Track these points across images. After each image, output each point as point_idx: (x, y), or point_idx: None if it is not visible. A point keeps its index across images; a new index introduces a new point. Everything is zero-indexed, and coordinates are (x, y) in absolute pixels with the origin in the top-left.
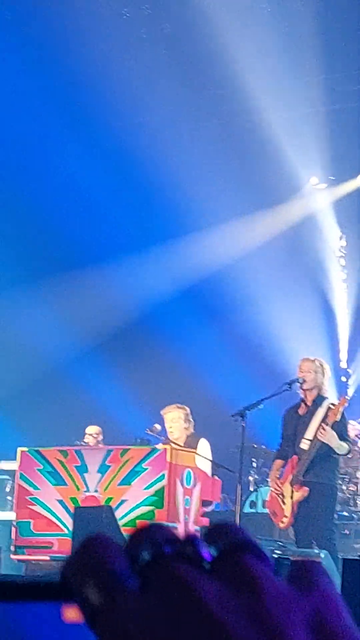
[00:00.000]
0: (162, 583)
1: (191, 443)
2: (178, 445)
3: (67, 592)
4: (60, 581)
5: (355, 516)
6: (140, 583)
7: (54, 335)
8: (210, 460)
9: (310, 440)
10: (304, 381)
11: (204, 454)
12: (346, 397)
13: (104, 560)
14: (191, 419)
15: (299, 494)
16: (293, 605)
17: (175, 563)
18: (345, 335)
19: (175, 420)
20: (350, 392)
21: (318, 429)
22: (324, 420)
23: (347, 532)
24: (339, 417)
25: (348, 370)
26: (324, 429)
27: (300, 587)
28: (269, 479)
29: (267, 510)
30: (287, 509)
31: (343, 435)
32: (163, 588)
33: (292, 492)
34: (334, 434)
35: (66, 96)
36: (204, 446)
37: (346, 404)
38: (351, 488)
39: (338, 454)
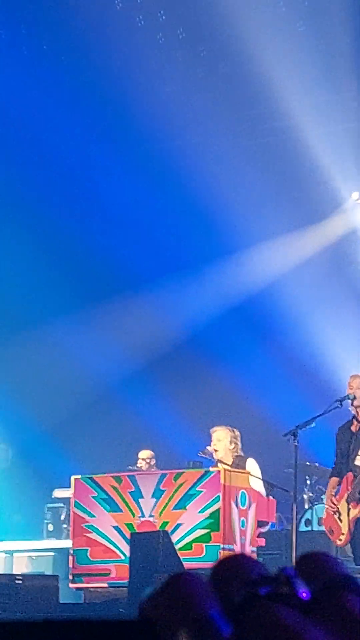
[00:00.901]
0: (261, 628)
1: (239, 463)
2: (225, 464)
3: (150, 634)
4: (143, 621)
5: None
6: (234, 628)
7: (104, 359)
8: (264, 480)
9: None
10: (355, 398)
11: (254, 474)
12: None
13: (194, 604)
14: (238, 441)
15: (356, 511)
16: None
17: (273, 605)
18: None
19: (221, 439)
20: None
21: None
22: None
23: None
24: None
25: None
26: None
27: None
28: (324, 497)
29: (322, 528)
30: (344, 527)
31: None
32: (262, 634)
33: (349, 509)
34: None
35: (107, 121)
36: (253, 466)
37: None
38: None
39: None
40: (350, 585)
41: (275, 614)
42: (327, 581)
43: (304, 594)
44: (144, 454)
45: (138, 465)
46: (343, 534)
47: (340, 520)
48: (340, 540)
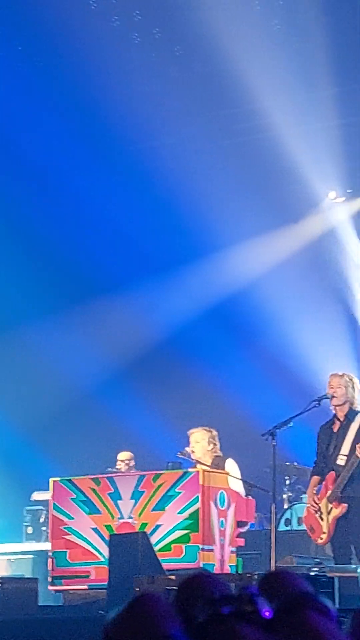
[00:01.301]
0: None
1: (218, 463)
2: (204, 465)
3: None
4: None
5: None
6: None
7: (82, 361)
8: (243, 481)
9: (347, 455)
10: (334, 397)
11: (233, 474)
12: None
13: (156, 624)
14: (217, 442)
15: (337, 511)
16: None
17: (236, 624)
18: None
19: (199, 441)
20: None
21: (354, 444)
22: None
23: None
24: None
25: None
26: None
27: None
28: (305, 496)
29: (302, 527)
30: (325, 526)
31: None
32: None
33: (331, 508)
34: None
35: (81, 123)
36: (232, 466)
37: None
38: None
39: None
40: (312, 602)
41: (238, 633)
42: (288, 599)
43: (267, 613)
44: (123, 455)
45: (117, 466)
46: (324, 532)
47: (322, 519)
48: (321, 539)
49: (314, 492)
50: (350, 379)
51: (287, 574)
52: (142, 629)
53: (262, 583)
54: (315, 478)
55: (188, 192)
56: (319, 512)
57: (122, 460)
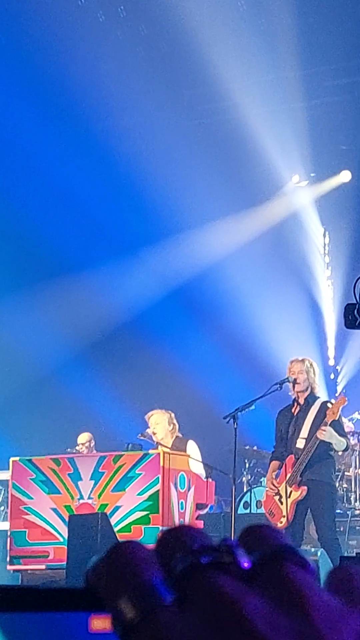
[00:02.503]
0: (201, 596)
1: (179, 445)
2: (166, 447)
3: (95, 602)
4: (88, 589)
5: (349, 513)
6: (176, 595)
7: (43, 342)
8: (203, 463)
9: (306, 438)
10: (297, 382)
11: (194, 456)
12: (344, 396)
13: (136, 571)
14: (175, 422)
15: (297, 494)
16: (342, 622)
17: (214, 574)
18: (332, 332)
19: (160, 422)
20: (339, 389)
21: (313, 427)
22: (322, 419)
23: (342, 529)
24: (337, 416)
25: (336, 367)
26: (324, 428)
27: (347, 599)
28: (263, 480)
29: (261, 511)
30: (285, 509)
31: (341, 433)
32: (203, 602)
33: (290, 492)
34: (334, 432)
35: (45, 101)
36: (193, 448)
37: (345, 403)
38: (344, 485)
39: (335, 452)
40: (291, 555)
41: (216, 581)
42: (268, 551)
43: (245, 564)
44: (83, 437)
45: (77, 449)
46: (284, 516)
47: (281, 503)
48: (281, 522)
49: (274, 476)
50: (311, 364)
51: (268, 527)
52: (121, 574)
53: (242, 535)
54: (275, 463)
55: (151, 172)
56: (278, 496)
57: (82, 443)
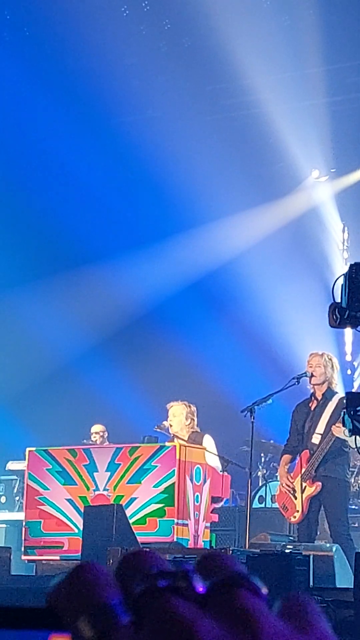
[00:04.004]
0: (156, 618)
1: (195, 439)
2: (182, 439)
3: (55, 621)
4: (49, 609)
5: None
6: (133, 617)
7: (60, 333)
8: (220, 456)
9: (322, 434)
10: (313, 376)
11: (210, 450)
12: None
13: (95, 593)
14: (195, 417)
15: (311, 489)
16: None
17: (169, 597)
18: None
19: (177, 415)
20: (356, 385)
21: (329, 423)
22: (339, 415)
23: (356, 525)
24: None
25: (353, 363)
26: (339, 424)
27: (296, 625)
28: (278, 474)
29: (275, 505)
30: (299, 504)
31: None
32: (157, 623)
33: (305, 487)
34: None
35: (67, 93)
36: (209, 442)
37: None
38: (359, 481)
39: (350, 448)
40: (244, 582)
41: (171, 604)
42: (222, 577)
43: (200, 588)
44: (96, 427)
45: (92, 439)
46: (297, 511)
47: (295, 498)
48: (294, 517)
49: (286, 470)
50: (330, 359)
51: (224, 555)
52: (80, 595)
53: (199, 562)
54: (287, 456)
55: (173, 165)
56: (292, 491)
57: (97, 432)
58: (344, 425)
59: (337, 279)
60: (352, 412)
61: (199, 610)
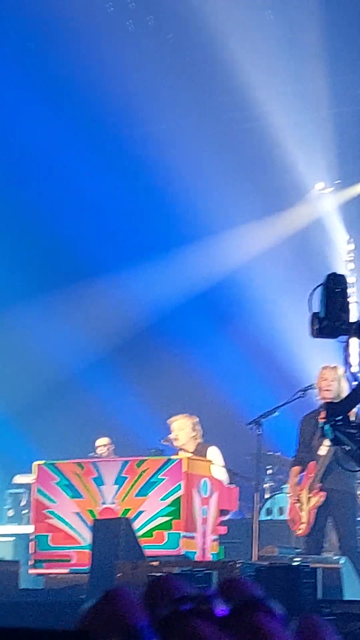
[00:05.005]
0: (181, 639)
1: (201, 451)
2: (188, 452)
3: None
4: (81, 631)
5: None
6: (159, 638)
7: (65, 346)
8: (227, 469)
9: (329, 446)
10: (327, 390)
11: (216, 462)
12: None
13: (125, 616)
14: (199, 428)
15: (316, 499)
16: None
17: (193, 620)
18: (355, 339)
19: (183, 428)
20: None
21: None
22: None
23: None
24: None
25: (359, 374)
26: None
27: None
28: (285, 486)
29: (283, 517)
30: (305, 516)
31: None
32: None
33: (309, 497)
34: None
35: (71, 107)
36: (215, 454)
37: None
38: None
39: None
40: (262, 605)
41: (194, 626)
42: (242, 601)
43: (221, 612)
44: (102, 440)
45: (98, 452)
46: (303, 523)
47: (301, 510)
48: (300, 529)
49: (296, 482)
50: (343, 373)
51: (243, 580)
52: (112, 619)
53: (220, 586)
54: (296, 468)
55: (177, 178)
56: (298, 503)
57: (103, 445)
58: (322, 435)
59: (315, 289)
60: (333, 423)
61: (220, 631)
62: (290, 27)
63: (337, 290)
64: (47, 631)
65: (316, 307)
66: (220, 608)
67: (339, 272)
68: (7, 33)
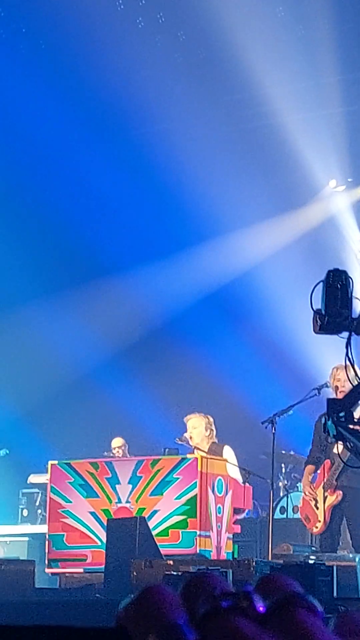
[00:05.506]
0: (221, 636)
1: (215, 450)
2: (202, 451)
3: (124, 639)
4: (119, 628)
5: None
6: (198, 636)
7: (78, 345)
8: (241, 467)
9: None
10: (343, 391)
11: (230, 461)
12: None
13: (164, 612)
14: (213, 428)
15: (332, 498)
16: None
17: (232, 617)
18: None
19: (197, 427)
20: None
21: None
22: None
23: None
24: None
25: None
26: None
27: None
28: (299, 485)
29: (297, 516)
30: (321, 514)
31: None
32: None
33: (326, 496)
34: None
35: (83, 106)
36: (229, 453)
37: None
38: None
39: None
40: (303, 601)
41: (234, 623)
42: (281, 597)
43: (261, 608)
44: (117, 442)
45: (114, 452)
46: (319, 521)
47: (317, 508)
48: (316, 527)
49: (310, 480)
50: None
51: (282, 577)
52: (150, 616)
53: (259, 583)
54: (310, 467)
55: (189, 177)
56: (314, 501)
57: (118, 447)
58: (324, 431)
59: (315, 286)
60: (335, 418)
61: (260, 628)
62: (302, 23)
63: (337, 286)
64: (85, 629)
65: (318, 304)
66: (260, 604)
67: (352, 270)
68: (19, 32)
